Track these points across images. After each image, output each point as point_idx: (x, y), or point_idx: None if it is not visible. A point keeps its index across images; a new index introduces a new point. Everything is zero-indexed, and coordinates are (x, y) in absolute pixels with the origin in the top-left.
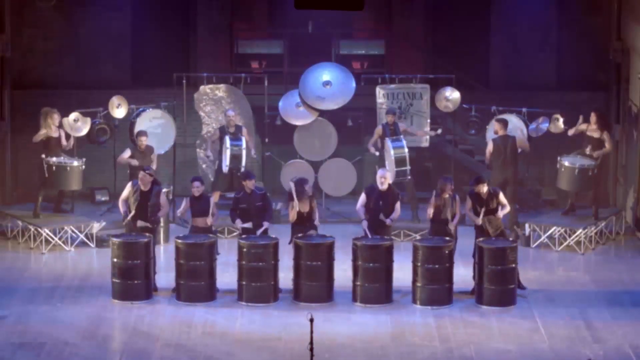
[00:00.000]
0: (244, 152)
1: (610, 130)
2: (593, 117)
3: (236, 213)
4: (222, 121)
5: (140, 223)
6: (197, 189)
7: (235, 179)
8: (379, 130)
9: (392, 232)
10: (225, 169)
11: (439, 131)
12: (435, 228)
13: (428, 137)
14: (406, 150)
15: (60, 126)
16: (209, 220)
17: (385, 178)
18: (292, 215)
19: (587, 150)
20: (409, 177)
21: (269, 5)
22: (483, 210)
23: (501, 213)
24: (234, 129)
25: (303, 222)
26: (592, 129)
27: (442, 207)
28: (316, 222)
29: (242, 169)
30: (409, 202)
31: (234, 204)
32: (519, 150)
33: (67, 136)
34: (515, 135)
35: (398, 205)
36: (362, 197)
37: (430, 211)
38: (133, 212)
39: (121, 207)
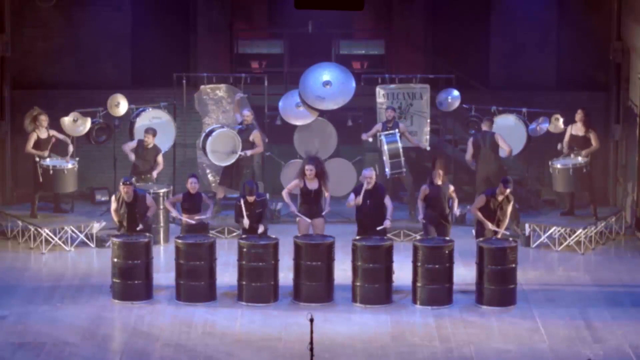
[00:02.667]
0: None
1: (595, 127)
2: (580, 115)
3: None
4: (221, 120)
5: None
6: (192, 185)
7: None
8: (378, 127)
9: (392, 232)
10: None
11: (428, 148)
12: (431, 214)
13: (428, 137)
14: (399, 144)
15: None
16: (198, 217)
17: (372, 178)
18: (291, 187)
19: (573, 152)
20: (404, 171)
21: (269, 5)
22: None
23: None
24: (246, 128)
25: (309, 202)
26: (577, 127)
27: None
28: (324, 213)
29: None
30: (408, 202)
31: (237, 209)
32: (502, 150)
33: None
34: (495, 132)
35: (387, 200)
36: (352, 196)
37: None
38: (125, 226)
39: (115, 217)
